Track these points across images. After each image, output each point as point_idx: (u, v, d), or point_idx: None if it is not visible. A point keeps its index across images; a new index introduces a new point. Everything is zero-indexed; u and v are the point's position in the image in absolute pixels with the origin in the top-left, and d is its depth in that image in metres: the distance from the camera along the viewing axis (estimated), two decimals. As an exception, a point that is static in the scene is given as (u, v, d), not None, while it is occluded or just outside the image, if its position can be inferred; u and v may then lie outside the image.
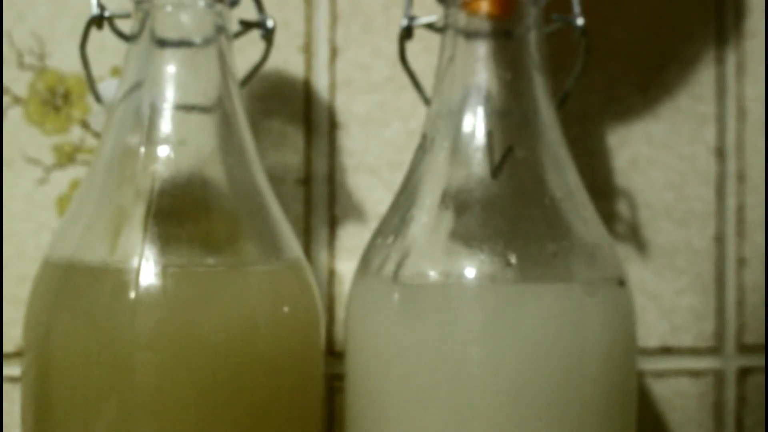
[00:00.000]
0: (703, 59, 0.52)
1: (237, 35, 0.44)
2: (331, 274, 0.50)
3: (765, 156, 0.52)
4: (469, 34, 0.42)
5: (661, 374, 0.51)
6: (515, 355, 0.38)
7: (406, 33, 0.45)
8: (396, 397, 0.39)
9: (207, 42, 0.41)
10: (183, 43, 0.41)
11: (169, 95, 0.40)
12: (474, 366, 0.38)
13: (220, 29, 0.41)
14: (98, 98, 0.45)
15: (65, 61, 0.48)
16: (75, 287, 0.39)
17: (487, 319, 0.39)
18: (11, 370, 0.48)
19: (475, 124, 0.41)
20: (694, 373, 0.52)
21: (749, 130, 0.52)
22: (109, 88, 0.45)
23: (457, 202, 0.41)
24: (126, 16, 0.42)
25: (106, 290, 0.38)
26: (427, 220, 0.41)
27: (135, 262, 0.38)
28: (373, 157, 0.50)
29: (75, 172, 0.49)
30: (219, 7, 0.41)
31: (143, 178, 0.39)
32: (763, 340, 0.52)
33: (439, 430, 0.38)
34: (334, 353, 0.49)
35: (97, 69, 0.46)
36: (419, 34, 0.46)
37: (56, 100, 0.49)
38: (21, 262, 0.48)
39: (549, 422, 0.38)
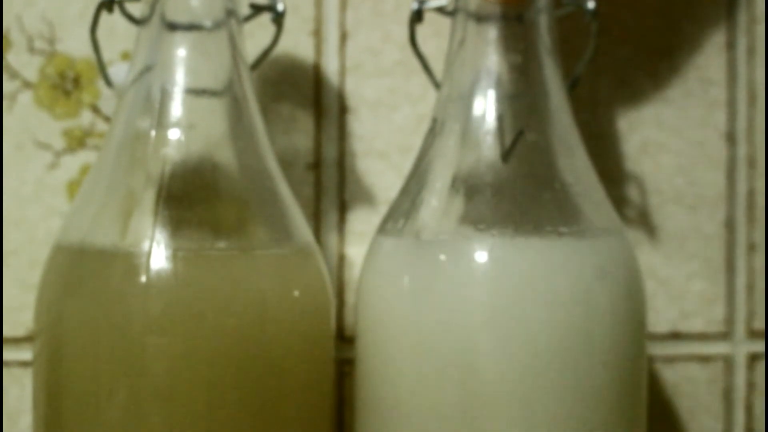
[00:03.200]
0: (714, 44, 0.51)
1: (247, 19, 0.43)
2: (341, 258, 0.50)
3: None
4: (480, 18, 0.42)
5: (670, 359, 0.51)
6: (524, 340, 0.38)
7: (417, 17, 0.45)
8: (406, 371, 0.39)
9: (217, 25, 0.41)
10: (193, 27, 0.41)
11: (180, 79, 0.40)
12: (481, 348, 0.38)
13: (231, 13, 0.41)
14: (109, 82, 0.45)
15: (75, 45, 0.48)
16: (86, 271, 0.39)
17: (493, 304, 0.39)
18: (22, 354, 0.49)
19: (485, 107, 0.41)
20: (704, 359, 0.52)
21: (760, 115, 0.52)
22: (119, 72, 0.45)
23: (467, 185, 0.41)
24: (136, -1, 0.42)
25: (117, 274, 0.38)
26: (438, 203, 0.41)
27: (146, 246, 0.38)
28: (383, 141, 0.50)
29: (85, 156, 0.49)
30: (229, -10, 0.41)
31: (154, 161, 0.39)
32: (773, 325, 0.52)
33: (448, 404, 0.39)
34: (344, 338, 0.49)
35: (108, 53, 0.46)
36: (429, 17, 0.46)
37: (66, 85, 0.49)
38: (31, 247, 0.48)
39: (558, 398, 0.38)
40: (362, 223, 0.49)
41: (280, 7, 0.44)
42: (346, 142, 0.50)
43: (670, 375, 0.51)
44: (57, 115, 0.49)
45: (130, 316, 0.37)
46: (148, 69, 0.41)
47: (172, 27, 0.41)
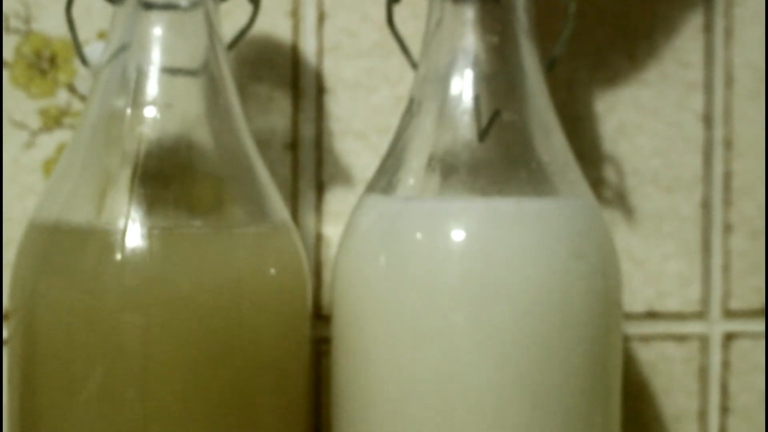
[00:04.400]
0: (692, 26, 0.51)
1: (224, -2, 0.43)
2: (319, 238, 0.50)
3: (752, 123, 0.52)
4: (457, -2, 0.42)
5: (646, 339, 0.52)
6: (498, 318, 0.38)
7: (394, -3, 0.45)
8: (381, 348, 0.39)
9: (194, 5, 0.41)
10: (169, 6, 0.41)
11: (156, 58, 0.40)
12: (457, 325, 0.39)
13: (207, -8, 0.41)
14: (84, 62, 0.45)
15: (51, 24, 0.48)
16: (61, 249, 0.39)
17: (468, 282, 0.39)
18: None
19: (462, 87, 0.41)
20: (680, 338, 0.52)
21: (737, 97, 0.52)
22: (95, 51, 0.45)
23: (443, 165, 0.41)
24: (112, -22, 0.42)
25: (92, 252, 0.38)
26: (414, 183, 0.41)
27: (121, 224, 0.38)
28: (361, 122, 0.50)
29: (62, 135, 0.48)
30: (206, -31, 0.41)
31: (129, 140, 0.39)
32: (748, 305, 0.52)
33: (423, 378, 0.39)
34: (321, 316, 0.49)
35: (84, 32, 0.46)
36: (407, -2, 0.46)
37: (42, 64, 0.48)
38: (7, 226, 0.48)
39: (534, 375, 0.38)
40: (339, 202, 0.49)
41: (257, -14, 0.44)
42: (323, 123, 0.50)
43: (645, 354, 0.52)
44: (33, 94, 0.48)
45: (105, 293, 0.37)
46: (123, 48, 0.40)
47: (148, 6, 0.40)
